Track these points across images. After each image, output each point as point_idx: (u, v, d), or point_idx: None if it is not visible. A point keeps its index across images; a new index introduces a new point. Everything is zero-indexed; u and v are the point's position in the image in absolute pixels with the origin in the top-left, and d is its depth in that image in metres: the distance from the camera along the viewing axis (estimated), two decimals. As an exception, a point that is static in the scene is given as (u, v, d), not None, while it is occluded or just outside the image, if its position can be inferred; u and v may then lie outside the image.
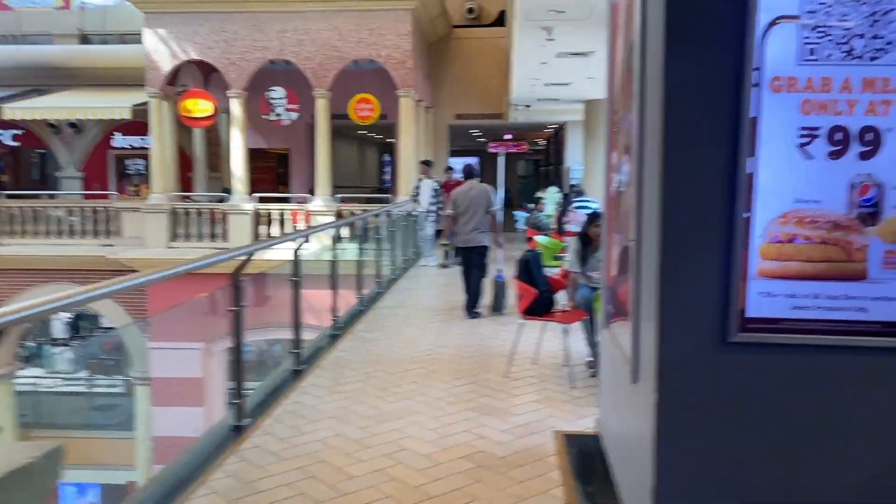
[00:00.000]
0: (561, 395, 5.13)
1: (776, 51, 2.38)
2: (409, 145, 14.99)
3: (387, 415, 4.68)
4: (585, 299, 5.71)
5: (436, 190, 11.10)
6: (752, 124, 2.41)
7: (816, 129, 2.40)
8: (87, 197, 17.15)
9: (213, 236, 14.69)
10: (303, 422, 4.56)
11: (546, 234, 10.06)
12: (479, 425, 4.49)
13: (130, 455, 13.28)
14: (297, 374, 5.51)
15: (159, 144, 15.14)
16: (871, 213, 2.41)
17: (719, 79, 2.43)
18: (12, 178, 19.91)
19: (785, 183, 2.43)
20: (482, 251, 8.24)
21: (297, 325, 5.68)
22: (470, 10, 18.31)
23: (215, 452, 4.06)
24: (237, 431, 4.36)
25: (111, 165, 19.24)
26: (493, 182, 12.86)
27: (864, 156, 2.39)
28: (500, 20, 17.42)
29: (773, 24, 2.37)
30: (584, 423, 4.49)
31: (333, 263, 7.13)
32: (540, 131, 25.77)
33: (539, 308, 5.72)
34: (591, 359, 5.64)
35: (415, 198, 11.73)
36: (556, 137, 24.18)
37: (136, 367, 14.80)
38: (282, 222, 14.53)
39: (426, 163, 11.76)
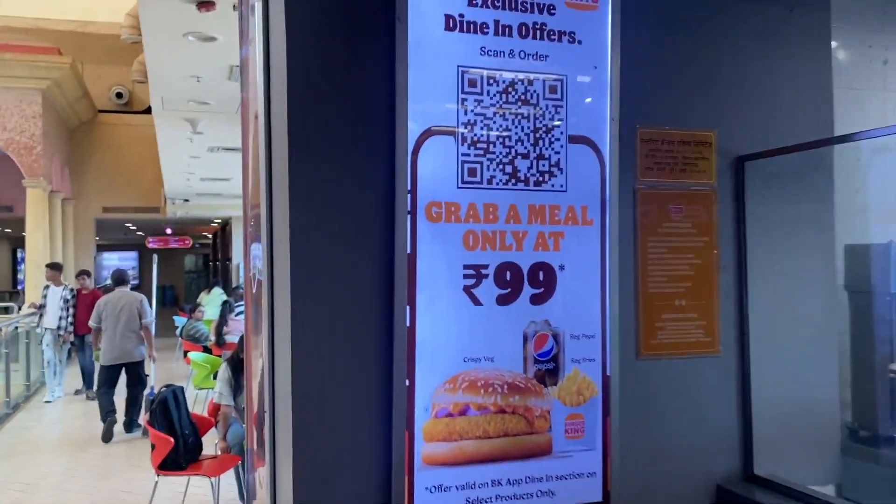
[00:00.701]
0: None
1: (432, 170, 1.86)
2: (40, 242, 12.72)
3: None
4: (239, 439, 4.77)
5: (66, 300, 9.13)
6: (411, 263, 1.83)
7: (483, 267, 1.90)
8: None
9: None
10: None
11: (203, 348, 8.86)
12: None
13: None
14: None
15: None
16: (549, 369, 1.95)
17: (362, 205, 1.83)
18: None
19: (451, 337, 1.88)
20: (135, 366, 7.33)
21: None
22: (119, 95, 16.64)
23: None
24: None
25: None
26: (150, 280, 11.37)
27: (537, 299, 1.95)
28: (155, 107, 16.03)
29: (424, 136, 1.85)
30: None
31: None
32: (207, 225, 24.31)
33: (181, 457, 4.62)
34: (248, 514, 4.68)
35: (41, 308, 9.55)
36: (224, 232, 22.96)
37: None
38: None
39: (54, 266, 9.65)
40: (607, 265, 1.99)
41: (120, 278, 7.70)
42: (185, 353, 8.94)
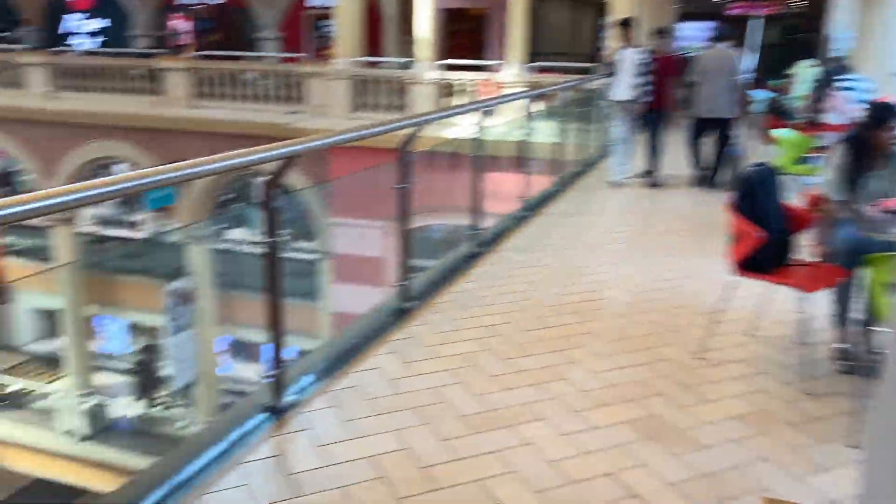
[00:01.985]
0: (786, 408, 3.15)
1: None
2: (624, 3, 12.35)
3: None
4: (850, 249, 3.52)
5: (643, 64, 7.42)
6: None
7: None
8: (282, 60, 16.51)
9: (395, 107, 13.40)
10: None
11: (792, 126, 7.40)
12: (636, 464, 2.71)
13: (312, 324, 12.77)
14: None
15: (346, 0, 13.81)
16: None
17: None
18: (223, 37, 19.63)
19: None
20: (724, 123, 7.45)
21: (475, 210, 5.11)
22: None
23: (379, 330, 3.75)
24: (401, 315, 3.95)
25: (306, 26, 18.44)
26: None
27: None
28: None
29: None
30: (824, 481, 2.57)
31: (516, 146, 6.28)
32: (796, -11, 21.03)
33: (765, 259, 3.61)
34: (846, 346, 3.53)
35: (611, 75, 7.88)
36: (819, -4, 19.51)
37: (319, 240, 14.31)
38: (466, 94, 12.80)
39: (625, 23, 7.79)
40: None
41: (720, 34, 7.60)
42: (767, 131, 7.64)
